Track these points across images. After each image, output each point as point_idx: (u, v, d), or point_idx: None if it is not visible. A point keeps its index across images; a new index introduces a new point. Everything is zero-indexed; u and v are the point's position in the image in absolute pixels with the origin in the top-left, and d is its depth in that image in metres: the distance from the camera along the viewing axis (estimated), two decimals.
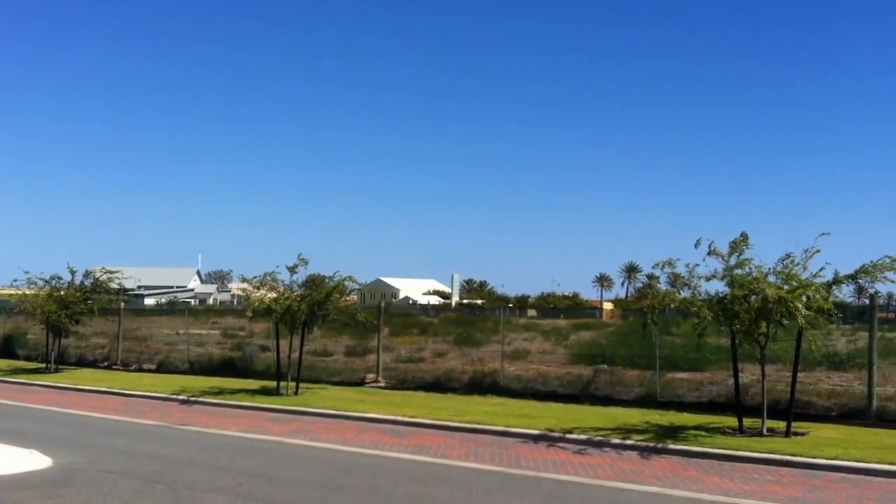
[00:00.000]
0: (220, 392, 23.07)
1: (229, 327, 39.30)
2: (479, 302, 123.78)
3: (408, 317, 45.77)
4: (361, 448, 15.27)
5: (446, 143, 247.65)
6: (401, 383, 24.66)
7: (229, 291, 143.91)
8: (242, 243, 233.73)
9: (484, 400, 21.51)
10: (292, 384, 23.01)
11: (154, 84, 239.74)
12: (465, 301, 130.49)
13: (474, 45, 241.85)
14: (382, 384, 24.93)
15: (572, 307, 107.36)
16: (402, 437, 16.50)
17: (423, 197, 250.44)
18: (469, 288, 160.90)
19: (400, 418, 18.34)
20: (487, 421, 17.56)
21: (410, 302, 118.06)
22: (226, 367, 28.58)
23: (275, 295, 23.03)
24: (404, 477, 12.61)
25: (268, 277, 23.42)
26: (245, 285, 24.12)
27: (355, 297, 32.21)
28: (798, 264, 15.87)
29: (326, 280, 23.52)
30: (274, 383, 23.43)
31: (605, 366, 22.89)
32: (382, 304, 28.20)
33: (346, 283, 23.44)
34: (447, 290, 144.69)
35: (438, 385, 23.81)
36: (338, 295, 23.14)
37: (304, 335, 23.57)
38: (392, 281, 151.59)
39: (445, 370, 24.90)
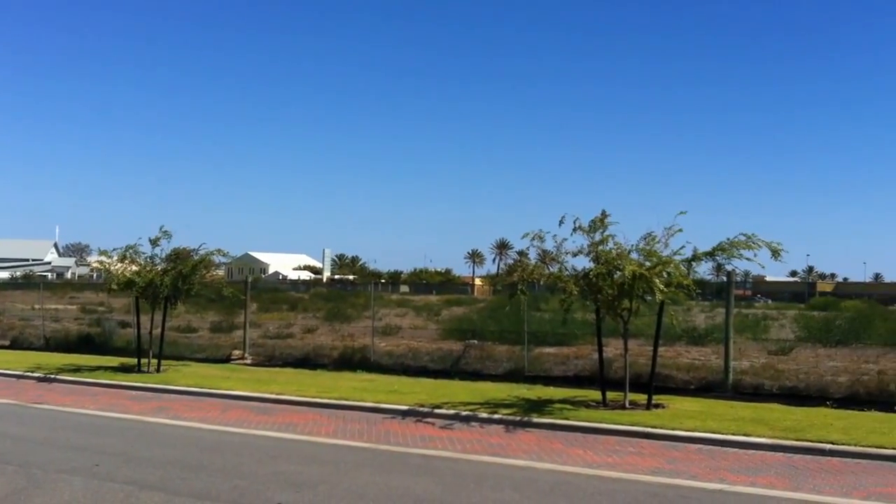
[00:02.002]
0: (78, 369, 22.30)
1: (88, 302, 38.00)
2: (351, 277, 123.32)
3: (277, 292, 45.19)
4: (226, 426, 14.97)
5: (317, 112, 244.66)
6: (268, 360, 24.35)
7: (88, 265, 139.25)
8: (103, 216, 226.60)
9: (354, 376, 21.40)
10: (154, 361, 22.40)
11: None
12: (336, 276, 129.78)
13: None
14: (249, 361, 24.56)
15: (445, 283, 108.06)
16: (269, 414, 16.26)
17: (294, 169, 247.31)
18: (341, 263, 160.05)
19: (267, 395, 18.07)
20: (357, 397, 17.47)
21: (280, 277, 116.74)
22: (84, 344, 27.70)
23: (136, 268, 22.33)
24: (270, 455, 12.42)
25: (129, 251, 22.62)
26: (104, 259, 23.30)
27: (222, 272, 31.56)
28: (659, 242, 16.25)
29: (192, 254, 22.91)
30: (134, 360, 22.75)
31: (476, 341, 23.10)
32: (250, 279, 27.74)
33: (214, 256, 22.94)
34: (319, 265, 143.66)
35: (308, 361, 23.59)
36: (203, 269, 22.59)
37: (167, 310, 22.97)
38: (261, 256, 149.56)
39: (315, 346, 24.69)
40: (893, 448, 12.42)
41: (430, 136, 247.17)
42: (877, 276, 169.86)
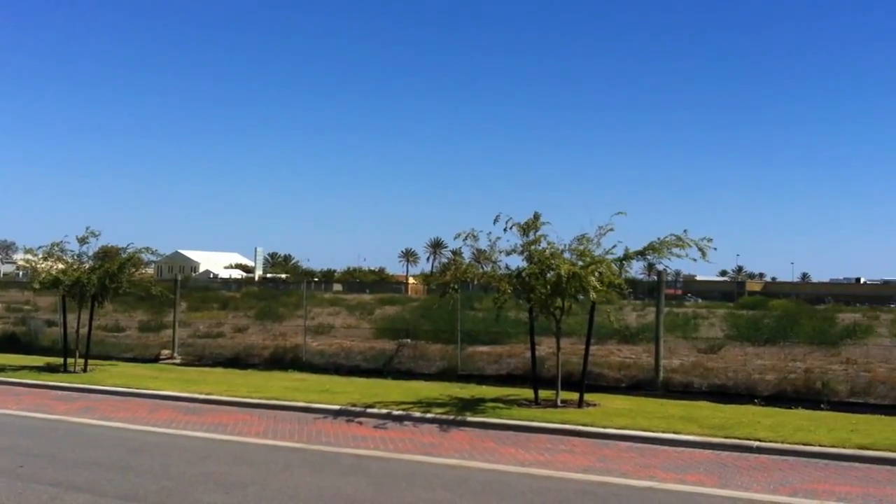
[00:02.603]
0: (2, 369, 21.75)
1: (13, 301, 37.02)
2: (284, 276, 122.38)
3: (208, 291, 44.58)
4: (154, 427, 14.70)
5: (247, 109, 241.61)
6: (198, 359, 24.01)
7: (14, 263, 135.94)
8: (29, 213, 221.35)
9: (285, 375, 21.19)
10: (80, 361, 21.92)
11: None
12: (269, 275, 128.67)
13: None
14: (178, 360, 24.18)
15: (378, 282, 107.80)
16: (198, 414, 16.01)
17: (225, 167, 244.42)
18: (273, 262, 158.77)
19: (196, 395, 17.79)
20: (288, 397, 17.28)
21: (211, 276, 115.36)
22: (8, 343, 27.02)
23: (63, 266, 21.84)
24: (199, 456, 12.21)
25: (55, 248, 22.13)
26: (30, 256, 22.73)
27: (151, 271, 31.06)
28: (592, 241, 16.36)
29: (120, 252, 22.49)
30: (60, 360, 22.26)
31: (409, 340, 23.00)
32: (180, 278, 27.33)
33: (142, 254, 22.52)
34: (251, 263, 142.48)
35: (238, 361, 23.30)
36: (132, 267, 22.18)
37: (94, 309, 22.50)
38: (192, 254, 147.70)
39: (246, 346, 24.42)
40: (820, 445, 12.63)
41: (363, 134, 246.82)
42: (804, 275, 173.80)
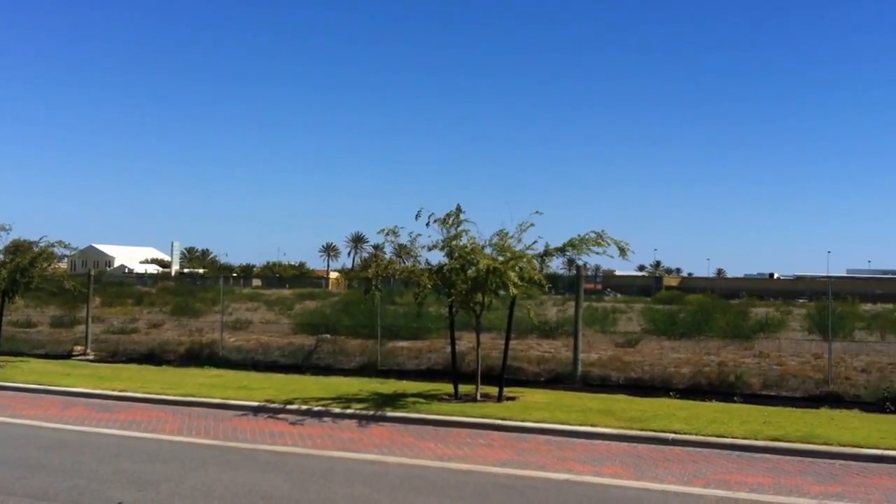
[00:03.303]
0: None
1: None
2: (201, 271, 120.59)
3: (122, 286, 43.79)
4: (66, 424, 14.33)
5: (163, 99, 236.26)
6: (112, 356, 23.53)
7: None
8: None
9: (201, 372, 20.88)
10: None
11: None
12: (185, 270, 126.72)
13: None
14: (92, 357, 23.66)
15: (298, 277, 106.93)
16: (111, 411, 15.66)
17: (141, 159, 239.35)
18: (191, 256, 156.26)
19: (109, 392, 17.41)
20: (204, 393, 17.02)
21: (126, 270, 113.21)
22: None
23: None
24: (112, 453, 11.95)
25: None
26: None
27: (64, 265, 30.34)
28: (512, 237, 16.43)
29: (32, 246, 21.92)
30: None
31: (329, 335, 22.88)
32: (94, 273, 26.72)
33: (55, 249, 22.01)
34: (167, 258, 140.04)
35: (153, 357, 22.90)
36: (44, 262, 21.64)
37: (5, 304, 21.89)
38: (107, 248, 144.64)
39: (161, 341, 24.02)
40: (732, 437, 12.89)
41: (281, 127, 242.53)
42: (719, 271, 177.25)
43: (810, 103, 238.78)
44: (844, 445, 12.28)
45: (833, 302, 21.52)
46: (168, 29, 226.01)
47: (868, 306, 40.39)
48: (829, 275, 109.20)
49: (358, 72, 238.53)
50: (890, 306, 43.96)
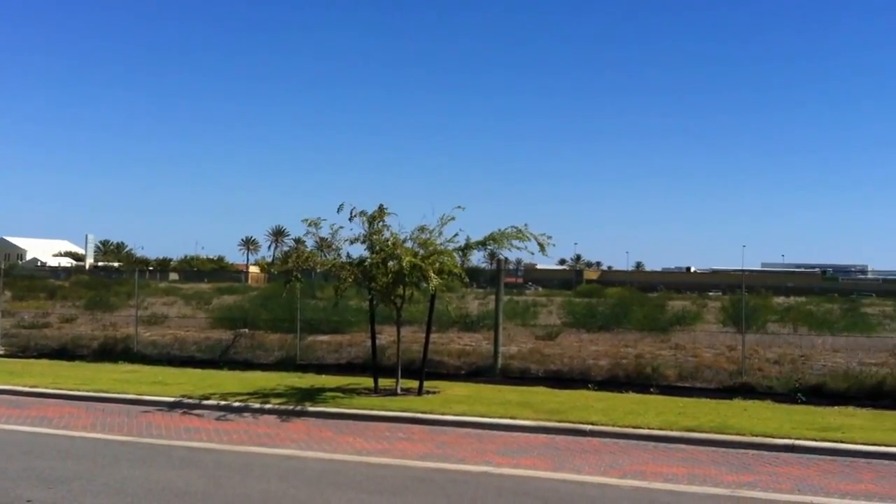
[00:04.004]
0: None
1: None
2: (117, 264, 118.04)
3: (34, 279, 42.56)
4: None
5: (75, 89, 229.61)
6: (23, 351, 22.98)
7: None
8: None
9: (116, 367, 20.47)
10: None
11: None
12: (100, 263, 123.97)
13: None
14: (2, 352, 23.12)
15: (217, 271, 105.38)
16: (22, 408, 15.25)
17: (55, 149, 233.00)
18: (106, 250, 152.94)
19: (19, 388, 16.96)
20: (118, 389, 16.69)
21: (39, 264, 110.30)
22: None
23: None
24: (22, 451, 11.64)
25: None
26: None
27: None
28: (434, 231, 16.40)
29: None
30: None
31: (247, 330, 22.61)
32: (4, 266, 25.98)
33: None
34: (81, 251, 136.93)
35: (66, 352, 22.39)
36: None
37: None
38: (18, 241, 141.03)
39: (74, 336, 23.48)
40: (648, 428, 13.07)
41: (198, 117, 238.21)
42: (638, 264, 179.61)
43: (725, 99, 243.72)
44: (757, 435, 12.55)
45: (747, 295, 21.95)
46: (81, 13, 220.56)
47: (781, 299, 41.25)
48: (744, 268, 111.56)
49: (279, 61, 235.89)
50: (802, 299, 45.08)
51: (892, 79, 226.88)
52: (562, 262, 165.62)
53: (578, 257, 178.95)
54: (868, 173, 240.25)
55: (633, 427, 13.14)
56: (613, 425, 13.25)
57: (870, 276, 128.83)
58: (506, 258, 19.53)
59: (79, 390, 16.59)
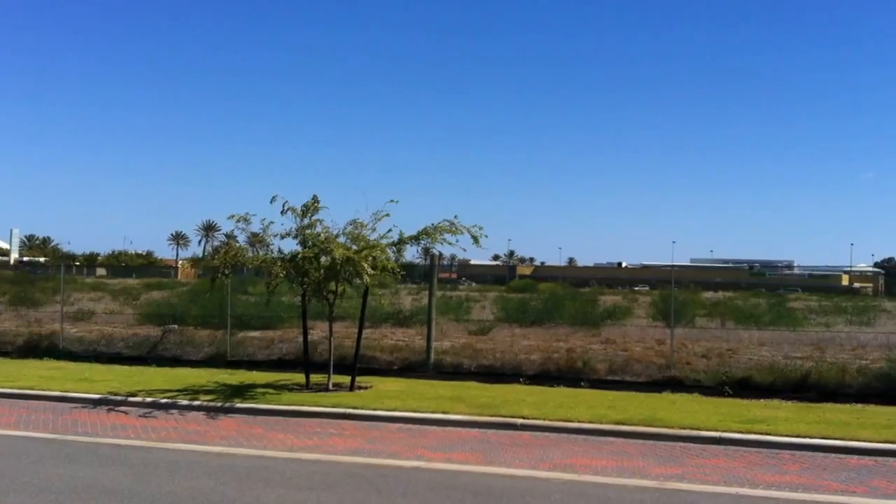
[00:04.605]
0: None
1: None
2: (42, 260, 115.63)
3: None
4: None
5: (5, 78, 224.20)
6: None
7: None
8: None
9: (41, 364, 20.02)
10: None
11: None
12: (25, 258, 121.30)
13: None
14: None
15: (146, 266, 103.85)
16: None
17: None
18: (31, 244, 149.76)
19: None
20: (43, 386, 16.34)
21: None
22: None
23: None
24: None
25: None
26: None
27: None
28: (367, 226, 16.34)
29: None
30: None
31: (176, 326, 22.29)
32: None
33: None
34: (5, 246, 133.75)
35: None
36: None
37: None
38: None
39: None
40: (579, 422, 13.18)
41: (127, 109, 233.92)
42: (571, 260, 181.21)
43: (653, 97, 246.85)
44: (685, 428, 12.74)
45: (676, 290, 22.32)
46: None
47: (709, 294, 42.03)
48: (674, 264, 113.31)
49: (204, 51, 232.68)
50: (730, 294, 45.96)
51: (815, 77, 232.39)
52: (495, 257, 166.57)
53: (512, 253, 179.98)
54: (794, 170, 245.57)
55: (564, 421, 13.25)
56: (544, 419, 13.34)
57: (796, 271, 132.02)
58: (440, 254, 19.59)
59: (2, 388, 16.18)
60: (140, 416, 14.06)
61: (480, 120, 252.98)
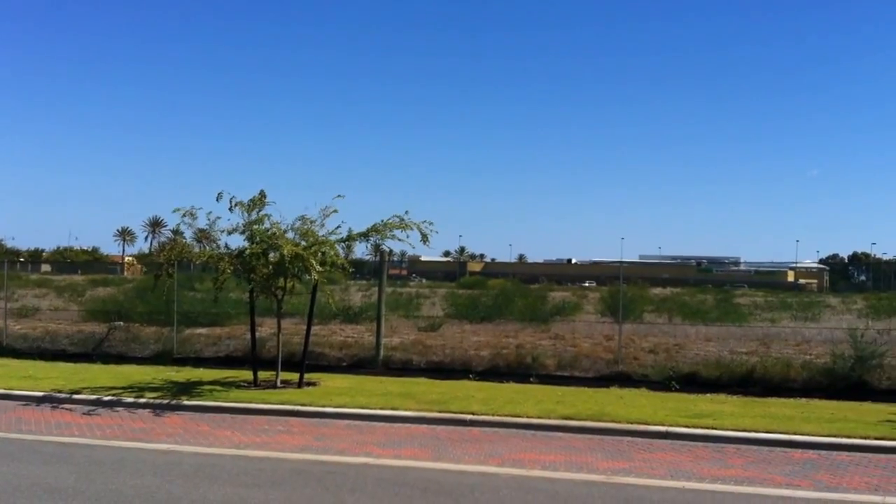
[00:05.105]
0: None
1: None
2: None
3: None
4: None
5: None
6: None
7: None
8: None
9: None
10: None
11: None
12: None
13: None
14: None
15: (92, 262, 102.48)
16: None
17: None
18: None
19: None
20: None
21: None
22: None
23: None
24: None
25: None
26: None
27: None
28: (315, 222, 16.27)
29: None
30: None
31: (121, 322, 22.03)
32: None
33: None
34: None
35: None
36: None
37: None
38: None
39: None
40: (527, 417, 13.24)
41: (72, 99, 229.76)
42: (521, 256, 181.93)
43: (606, 93, 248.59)
44: (632, 423, 12.84)
45: (624, 286, 22.48)
46: None
47: (657, 290, 42.54)
48: (622, 260, 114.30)
49: (154, 45, 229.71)
50: (678, 290, 46.54)
51: (761, 75, 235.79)
52: (446, 254, 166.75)
53: (462, 249, 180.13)
54: (741, 168, 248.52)
55: (513, 416, 13.30)
56: (493, 415, 13.38)
57: (742, 267, 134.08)
58: (390, 250, 19.55)
59: None
60: (85, 413, 13.87)
61: (431, 116, 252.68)
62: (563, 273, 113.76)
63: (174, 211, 16.34)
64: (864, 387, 15.87)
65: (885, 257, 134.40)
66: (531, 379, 17.30)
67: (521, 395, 15.39)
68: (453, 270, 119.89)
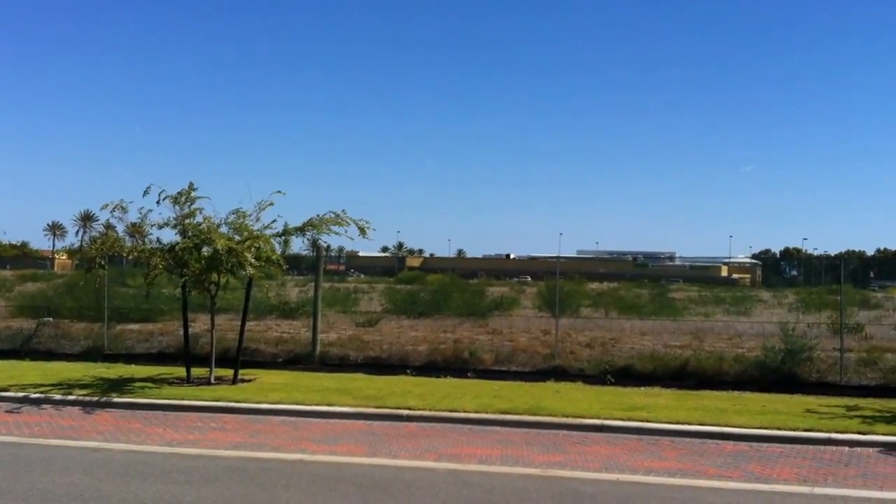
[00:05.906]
0: None
1: None
2: None
3: None
4: None
5: None
6: None
7: None
8: None
9: None
10: None
11: None
12: None
13: None
14: None
15: (20, 257, 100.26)
16: None
17: None
18: None
19: None
20: None
21: None
22: None
23: None
24: None
25: None
26: None
27: None
28: (250, 216, 16.05)
29: None
30: None
31: (51, 318, 21.56)
32: None
33: None
34: None
35: None
36: None
37: None
38: None
39: None
40: (464, 412, 13.21)
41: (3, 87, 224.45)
42: (460, 251, 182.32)
43: (544, 87, 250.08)
44: (568, 416, 12.89)
45: (561, 281, 22.62)
46: None
47: (594, 285, 42.82)
48: (560, 255, 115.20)
49: (83, 34, 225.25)
50: (614, 285, 46.98)
51: (696, 71, 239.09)
52: (384, 249, 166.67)
53: (401, 245, 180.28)
54: (676, 164, 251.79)
55: (450, 411, 13.26)
56: (430, 410, 13.33)
57: (677, 262, 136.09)
58: (327, 245, 19.42)
59: None
60: (11, 411, 13.53)
61: (368, 109, 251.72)
62: (501, 268, 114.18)
63: (102, 208, 16.06)
64: (795, 379, 16.14)
65: (816, 252, 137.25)
66: (469, 374, 17.30)
67: (459, 389, 15.36)
68: (392, 266, 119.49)
